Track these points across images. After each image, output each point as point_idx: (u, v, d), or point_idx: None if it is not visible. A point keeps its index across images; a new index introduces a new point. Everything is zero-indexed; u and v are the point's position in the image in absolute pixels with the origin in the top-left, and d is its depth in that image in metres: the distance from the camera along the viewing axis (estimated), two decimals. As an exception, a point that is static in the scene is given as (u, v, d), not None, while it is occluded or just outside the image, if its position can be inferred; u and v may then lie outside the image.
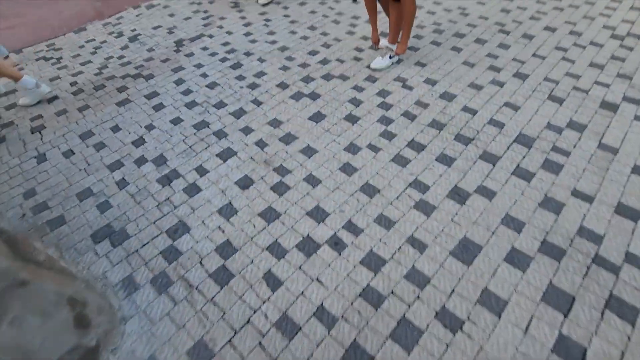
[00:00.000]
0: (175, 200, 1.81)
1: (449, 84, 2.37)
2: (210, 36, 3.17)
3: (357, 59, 2.69)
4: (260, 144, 2.07)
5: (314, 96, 2.37)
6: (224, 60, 2.82)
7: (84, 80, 2.75)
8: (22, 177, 2.01)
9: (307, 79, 2.52)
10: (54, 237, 1.69)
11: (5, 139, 2.28)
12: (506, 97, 2.23)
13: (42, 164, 2.07)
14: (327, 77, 2.53)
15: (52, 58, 3.09)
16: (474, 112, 2.14)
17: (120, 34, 3.35)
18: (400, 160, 1.90)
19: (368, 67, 2.57)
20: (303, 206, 1.72)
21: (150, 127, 2.25)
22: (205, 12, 3.60)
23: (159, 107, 2.41)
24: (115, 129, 2.27)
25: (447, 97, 2.27)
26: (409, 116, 2.16)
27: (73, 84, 2.73)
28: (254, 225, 1.66)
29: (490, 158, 1.87)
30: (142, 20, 3.55)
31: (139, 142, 2.16)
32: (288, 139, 2.08)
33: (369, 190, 1.77)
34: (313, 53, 2.80)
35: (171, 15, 3.60)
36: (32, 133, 2.30)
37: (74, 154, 2.12)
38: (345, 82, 2.46)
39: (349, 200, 1.73)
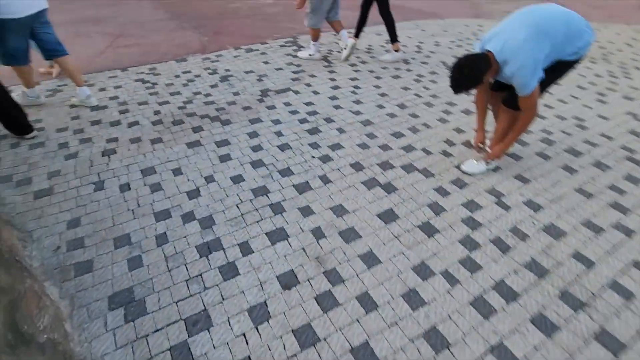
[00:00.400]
0: (207, 279, 1.58)
1: (556, 214, 1.93)
2: (296, 92, 3.12)
3: (446, 153, 2.38)
4: (317, 232, 1.80)
5: (389, 188, 2.08)
6: (302, 121, 2.70)
7: (166, 112, 2.80)
8: (74, 202, 1.96)
9: (385, 165, 2.26)
10: (74, 286, 1.54)
11: (77, 155, 2.31)
12: (635, 253, 1.73)
13: (97, 193, 2.02)
14: (409, 168, 2.24)
15: (148, 82, 3.25)
16: (589, 264, 1.67)
17: (214, 71, 3.47)
18: (483, 308, 1.49)
19: (458, 167, 2.24)
20: (349, 337, 1.38)
21: (209, 179, 2.12)
22: (298, 65, 3.63)
23: (225, 158, 2.30)
24: (177, 172, 2.18)
25: (554, 232, 1.83)
26: (501, 246, 1.75)
27: (156, 112, 2.79)
28: (284, 346, 1.35)
29: (611, 343, 1.38)
30: (238, 62, 3.67)
31: (193, 193, 2.02)
32: (349, 235, 1.79)
33: (436, 340, 1.37)
34: (397, 135, 2.56)
35: (265, 62, 3.68)
36: (102, 156, 2.31)
37: (129, 189, 2.05)
38: (428, 180, 2.15)
39: (408, 349, 1.35)
